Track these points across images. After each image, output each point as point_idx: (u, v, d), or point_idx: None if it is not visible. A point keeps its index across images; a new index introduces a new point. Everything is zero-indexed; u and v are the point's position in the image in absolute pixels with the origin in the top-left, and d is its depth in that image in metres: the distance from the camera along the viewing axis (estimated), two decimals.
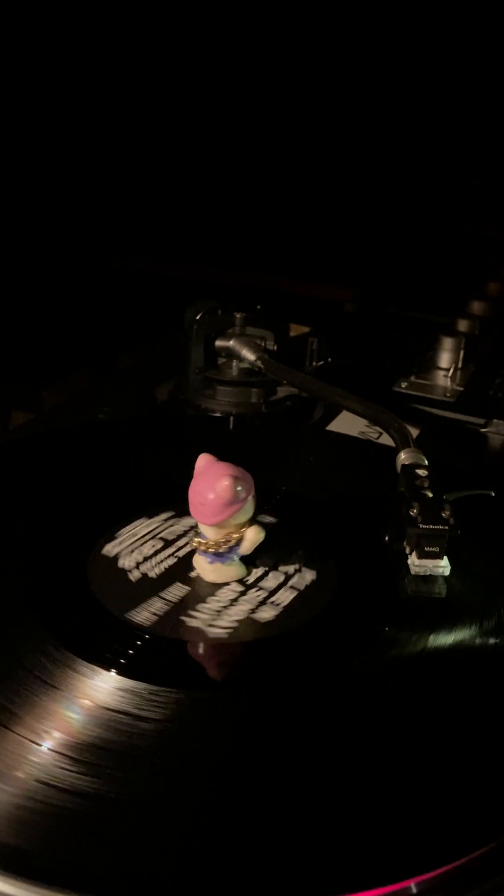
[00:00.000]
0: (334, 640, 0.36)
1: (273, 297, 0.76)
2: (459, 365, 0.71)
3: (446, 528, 0.40)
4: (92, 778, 0.28)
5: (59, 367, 0.80)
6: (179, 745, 0.30)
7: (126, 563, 0.40)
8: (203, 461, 0.38)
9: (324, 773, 0.30)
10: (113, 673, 0.33)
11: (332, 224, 1.14)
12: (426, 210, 1.17)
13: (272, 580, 0.39)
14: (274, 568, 0.40)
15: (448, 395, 0.68)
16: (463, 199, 1.19)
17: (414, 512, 0.40)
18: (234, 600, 0.38)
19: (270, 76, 1.09)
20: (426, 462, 0.46)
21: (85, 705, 0.32)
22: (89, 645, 0.35)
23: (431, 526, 0.40)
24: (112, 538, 0.42)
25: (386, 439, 0.53)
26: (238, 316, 0.65)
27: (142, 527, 0.43)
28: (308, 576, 0.40)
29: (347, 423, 0.60)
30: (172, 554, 0.41)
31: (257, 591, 0.39)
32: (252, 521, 0.39)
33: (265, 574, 0.40)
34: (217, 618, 0.37)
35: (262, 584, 0.39)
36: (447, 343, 0.72)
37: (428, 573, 0.40)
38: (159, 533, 0.42)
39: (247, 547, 0.39)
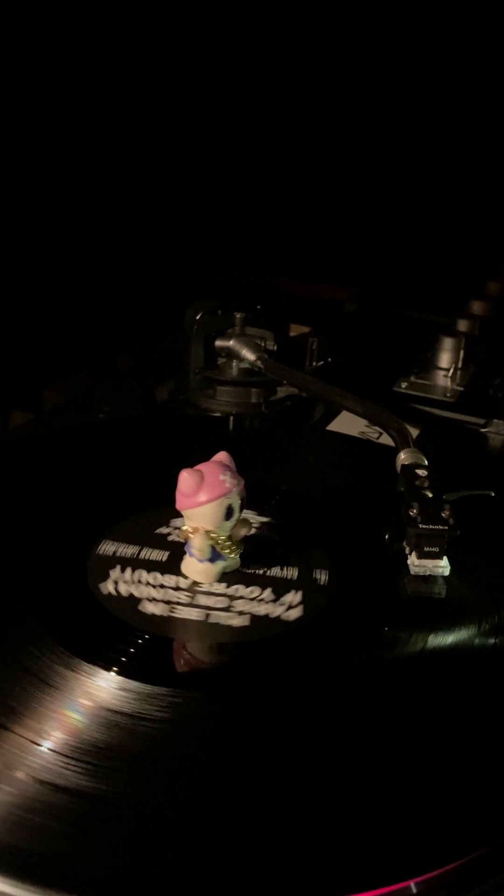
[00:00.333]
0: (334, 640, 0.36)
1: (273, 297, 0.76)
2: (459, 365, 0.71)
3: (446, 528, 0.40)
4: (92, 778, 0.28)
5: (59, 367, 0.80)
6: (179, 746, 0.30)
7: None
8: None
9: (324, 773, 0.30)
10: (113, 673, 0.33)
11: (332, 224, 1.14)
12: (426, 210, 1.17)
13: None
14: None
15: (448, 395, 0.68)
16: (463, 199, 1.19)
17: (414, 512, 0.40)
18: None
19: (270, 76, 1.09)
20: (426, 462, 0.46)
21: (84, 705, 0.32)
22: (89, 645, 0.35)
23: (431, 526, 0.40)
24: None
25: (386, 439, 0.53)
26: (238, 316, 0.65)
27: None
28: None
29: (347, 423, 0.60)
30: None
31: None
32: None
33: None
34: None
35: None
36: (447, 343, 0.72)
37: (428, 573, 0.40)
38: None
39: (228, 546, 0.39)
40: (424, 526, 0.40)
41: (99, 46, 0.99)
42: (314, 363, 0.70)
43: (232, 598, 0.38)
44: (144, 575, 0.39)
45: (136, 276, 1.06)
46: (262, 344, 0.64)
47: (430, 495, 0.42)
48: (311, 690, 0.34)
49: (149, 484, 0.47)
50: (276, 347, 0.65)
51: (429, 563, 0.40)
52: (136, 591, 0.38)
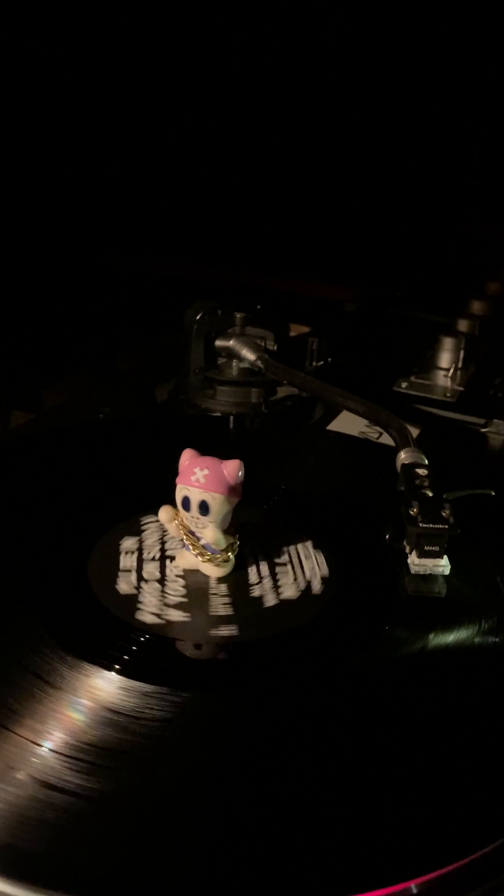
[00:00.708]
0: (334, 640, 0.36)
1: (273, 297, 0.76)
2: (459, 365, 0.71)
3: (446, 527, 0.40)
4: (92, 778, 0.28)
5: (59, 367, 0.80)
6: (179, 745, 0.30)
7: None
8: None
9: (324, 773, 0.30)
10: (113, 673, 0.33)
11: (332, 224, 1.14)
12: (426, 210, 1.17)
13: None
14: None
15: (448, 395, 0.68)
16: (463, 199, 1.19)
17: (414, 511, 0.40)
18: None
19: (271, 76, 1.09)
20: (426, 462, 0.45)
21: (85, 705, 0.32)
22: (89, 645, 0.34)
23: (431, 525, 0.40)
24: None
25: (386, 439, 0.53)
26: (238, 316, 0.65)
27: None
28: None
29: (347, 423, 0.60)
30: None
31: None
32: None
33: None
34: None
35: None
36: (447, 343, 0.72)
37: (428, 572, 0.40)
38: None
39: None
40: (425, 525, 0.40)
41: (99, 47, 0.99)
42: (314, 363, 0.70)
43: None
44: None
45: (136, 276, 1.06)
46: (262, 344, 0.64)
47: (431, 494, 0.42)
48: (312, 690, 0.33)
49: (149, 484, 0.47)
50: (276, 347, 0.65)
51: (429, 562, 0.40)
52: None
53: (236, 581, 0.39)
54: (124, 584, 0.39)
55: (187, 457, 0.38)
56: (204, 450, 0.39)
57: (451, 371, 0.70)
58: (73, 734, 0.30)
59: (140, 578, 0.39)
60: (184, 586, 0.39)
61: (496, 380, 0.71)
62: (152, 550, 0.41)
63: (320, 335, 0.71)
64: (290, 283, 1.02)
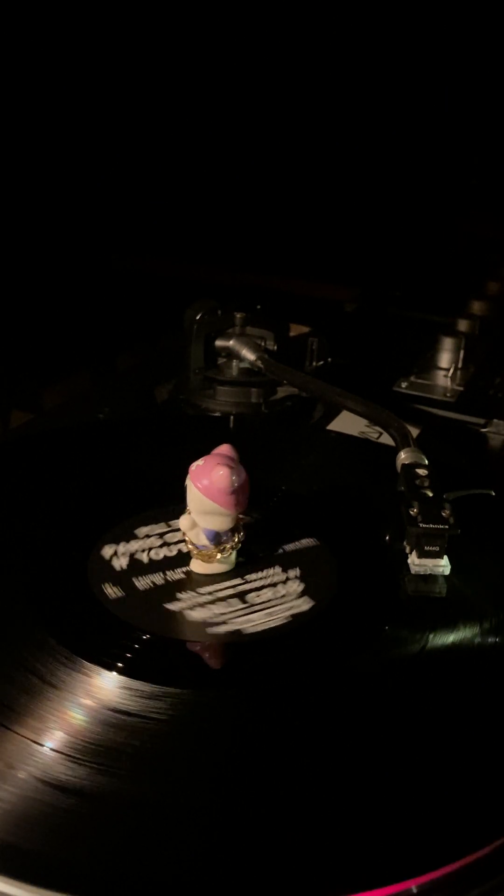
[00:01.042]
0: (334, 640, 0.36)
1: (273, 297, 0.76)
2: (459, 365, 0.71)
3: (446, 527, 0.40)
4: (92, 778, 0.28)
5: (59, 367, 0.80)
6: (179, 745, 0.30)
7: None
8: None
9: (324, 773, 0.30)
10: (113, 672, 0.33)
11: (332, 224, 1.14)
12: (426, 210, 1.17)
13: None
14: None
15: (448, 395, 0.68)
16: (463, 199, 1.19)
17: (414, 511, 0.40)
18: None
19: (270, 76, 1.09)
20: (426, 462, 0.45)
21: (85, 705, 0.32)
22: (89, 644, 0.35)
23: (431, 525, 0.40)
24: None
25: (386, 439, 0.53)
26: (238, 316, 0.65)
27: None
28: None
29: (347, 423, 0.60)
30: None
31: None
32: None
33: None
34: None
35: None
36: (447, 343, 0.72)
37: (428, 572, 0.40)
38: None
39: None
40: (425, 525, 0.40)
41: (99, 47, 0.99)
42: (314, 363, 0.70)
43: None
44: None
45: (136, 276, 1.06)
46: (262, 344, 0.64)
47: (431, 495, 0.42)
48: (312, 690, 0.33)
49: (149, 484, 0.47)
50: (276, 347, 0.65)
51: (429, 562, 0.40)
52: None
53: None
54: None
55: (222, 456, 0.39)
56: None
57: (451, 371, 0.70)
58: (74, 734, 0.30)
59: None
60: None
61: (496, 380, 0.71)
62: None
63: (320, 335, 0.71)
64: (290, 283, 1.02)
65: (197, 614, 0.37)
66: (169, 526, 0.43)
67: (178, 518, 0.43)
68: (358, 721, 0.32)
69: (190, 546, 0.40)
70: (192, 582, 0.39)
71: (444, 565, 0.40)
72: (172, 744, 0.30)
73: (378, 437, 0.58)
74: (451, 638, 0.36)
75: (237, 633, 0.36)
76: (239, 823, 0.28)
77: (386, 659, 0.35)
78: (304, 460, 0.53)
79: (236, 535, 0.39)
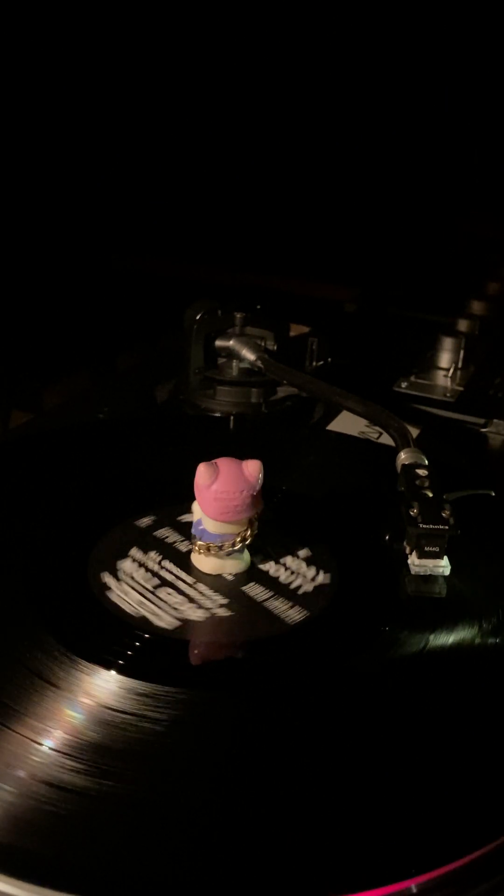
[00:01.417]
0: (334, 640, 0.36)
1: (273, 297, 0.76)
2: (459, 365, 0.71)
3: (446, 527, 0.40)
4: (92, 777, 0.28)
5: (59, 367, 0.80)
6: (179, 745, 0.30)
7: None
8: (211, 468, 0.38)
9: (324, 772, 0.30)
10: (113, 672, 0.33)
11: (332, 224, 1.14)
12: (426, 210, 1.17)
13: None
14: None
15: (448, 395, 0.68)
16: (463, 199, 1.19)
17: (414, 511, 0.40)
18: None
19: (270, 76, 1.09)
20: (426, 462, 0.45)
21: (85, 704, 0.32)
22: (89, 644, 0.35)
23: (431, 525, 0.40)
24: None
25: (386, 439, 0.53)
26: (238, 316, 0.65)
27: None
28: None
29: (347, 423, 0.60)
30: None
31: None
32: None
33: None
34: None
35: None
36: (447, 343, 0.72)
37: (428, 573, 0.40)
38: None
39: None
40: (425, 525, 0.40)
41: (99, 47, 0.99)
42: (314, 363, 0.70)
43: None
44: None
45: (136, 276, 1.06)
46: (262, 344, 0.64)
47: (431, 495, 0.42)
48: (312, 690, 0.33)
49: (149, 484, 0.47)
50: (276, 347, 0.65)
51: (429, 562, 0.40)
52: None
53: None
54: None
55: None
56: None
57: (451, 371, 0.70)
58: (74, 733, 0.30)
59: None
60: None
61: (496, 380, 0.71)
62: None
63: (320, 335, 0.71)
64: (290, 283, 1.02)
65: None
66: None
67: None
68: (358, 721, 0.32)
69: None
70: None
71: (444, 566, 0.40)
72: (172, 743, 0.30)
73: (378, 437, 0.58)
74: (451, 638, 0.36)
75: (238, 632, 0.36)
76: (239, 823, 0.28)
77: (386, 659, 0.35)
78: (304, 460, 0.53)
79: (248, 528, 0.39)
